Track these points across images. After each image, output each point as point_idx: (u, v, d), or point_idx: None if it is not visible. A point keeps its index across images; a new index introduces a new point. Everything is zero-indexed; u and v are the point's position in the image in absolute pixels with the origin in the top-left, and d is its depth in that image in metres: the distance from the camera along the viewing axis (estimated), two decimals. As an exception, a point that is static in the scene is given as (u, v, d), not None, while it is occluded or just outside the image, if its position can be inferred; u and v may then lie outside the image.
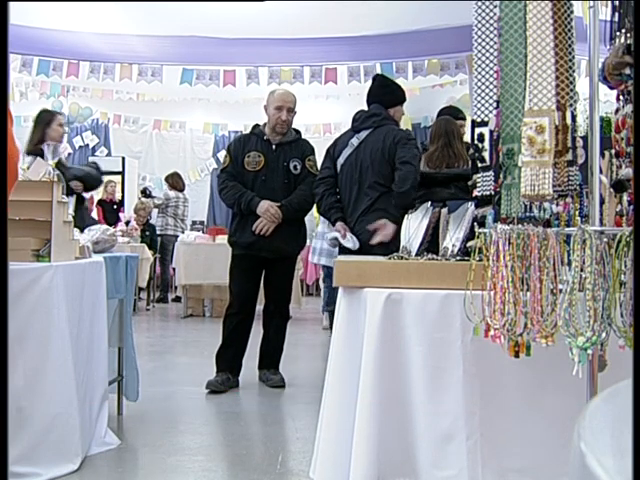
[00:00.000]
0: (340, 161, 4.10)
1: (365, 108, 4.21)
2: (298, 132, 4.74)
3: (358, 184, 4.00)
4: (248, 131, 4.87)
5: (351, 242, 3.89)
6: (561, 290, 1.86)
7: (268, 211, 4.42)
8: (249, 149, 4.58)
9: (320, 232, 6.95)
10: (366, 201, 3.96)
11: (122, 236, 8.11)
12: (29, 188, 3.01)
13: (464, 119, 4.76)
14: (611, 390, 0.90)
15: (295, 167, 4.56)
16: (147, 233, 9.39)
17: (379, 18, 6.35)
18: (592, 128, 1.94)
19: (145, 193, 10.37)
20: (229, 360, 4.55)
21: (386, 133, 4.01)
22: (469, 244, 2.44)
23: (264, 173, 4.51)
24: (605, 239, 1.82)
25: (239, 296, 4.58)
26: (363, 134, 4.05)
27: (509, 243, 1.93)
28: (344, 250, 3.94)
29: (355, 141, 4.05)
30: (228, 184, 4.57)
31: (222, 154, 13.03)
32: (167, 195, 10.02)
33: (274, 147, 4.57)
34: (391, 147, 3.96)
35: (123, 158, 12.48)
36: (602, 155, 2.13)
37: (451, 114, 4.66)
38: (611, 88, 2.04)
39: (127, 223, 9.41)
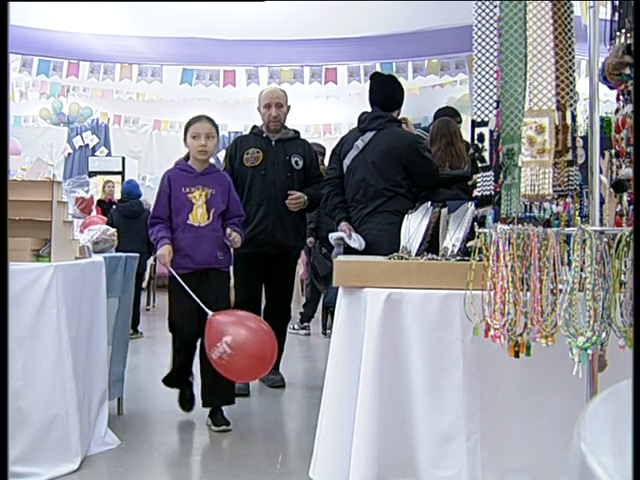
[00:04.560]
0: (346, 162, 4.11)
1: (367, 109, 4.21)
2: (297, 132, 4.75)
3: (364, 186, 4.01)
4: (248, 132, 4.88)
5: (357, 242, 3.89)
6: (561, 290, 1.86)
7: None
8: (248, 146, 4.59)
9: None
10: (372, 203, 3.97)
11: (122, 236, 8.10)
12: (29, 188, 3.01)
13: (460, 122, 4.75)
14: (611, 390, 0.90)
15: (297, 162, 4.57)
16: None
17: (379, 18, 6.35)
18: (592, 128, 1.94)
19: None
20: None
21: (392, 136, 4.03)
22: (469, 244, 2.44)
23: (263, 168, 4.51)
24: (605, 239, 1.82)
25: (245, 295, 4.57)
26: (368, 136, 4.05)
27: (509, 243, 1.93)
28: (349, 250, 3.93)
29: (360, 143, 4.06)
30: None
31: (222, 154, 13.02)
32: None
33: (273, 143, 4.58)
34: (400, 151, 3.97)
35: (123, 158, 12.47)
36: (602, 155, 2.13)
37: (448, 115, 4.65)
38: (611, 88, 2.04)
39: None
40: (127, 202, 7.34)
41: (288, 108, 4.65)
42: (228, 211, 3.81)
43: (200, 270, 3.65)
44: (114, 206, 7.62)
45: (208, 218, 3.69)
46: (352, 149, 4.08)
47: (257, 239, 4.49)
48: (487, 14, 2.21)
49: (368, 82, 4.33)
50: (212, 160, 4.02)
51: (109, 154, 12.96)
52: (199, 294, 3.48)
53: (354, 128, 4.24)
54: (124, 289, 3.77)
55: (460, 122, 4.74)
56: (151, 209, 3.89)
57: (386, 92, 4.20)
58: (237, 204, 3.89)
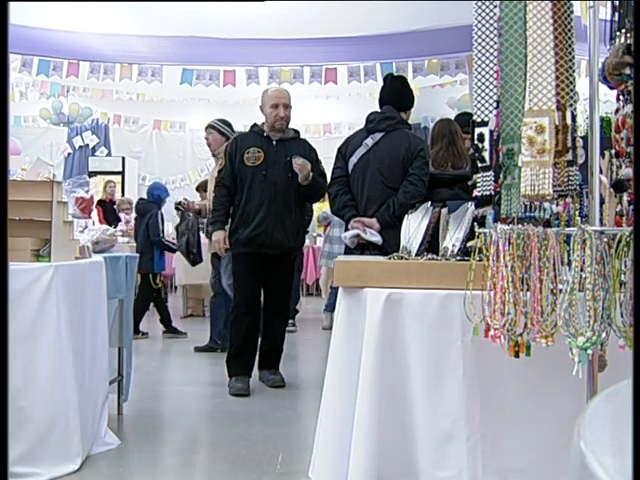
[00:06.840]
0: (353, 160, 4.09)
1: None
2: (297, 132, 4.74)
3: (369, 185, 4.01)
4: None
5: (375, 236, 3.87)
6: (561, 290, 1.86)
7: (218, 243, 4.55)
8: (249, 145, 4.57)
9: (332, 236, 6.96)
10: (378, 203, 3.97)
11: (122, 236, 8.10)
12: (29, 188, 3.01)
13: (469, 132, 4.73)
14: (611, 390, 0.90)
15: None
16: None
17: (379, 18, 6.35)
18: (592, 128, 1.94)
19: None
20: (246, 363, 4.55)
21: (401, 137, 4.03)
22: (469, 244, 2.44)
23: (264, 168, 4.50)
24: (605, 239, 1.82)
25: (245, 294, 4.56)
26: (377, 136, 4.06)
27: (509, 243, 1.93)
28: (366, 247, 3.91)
29: (369, 141, 4.06)
30: (219, 192, 4.66)
31: (222, 154, 13.00)
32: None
33: (275, 143, 4.57)
34: (407, 153, 3.98)
35: (123, 158, 12.49)
36: (602, 155, 2.13)
37: (467, 120, 4.63)
38: (611, 88, 2.04)
39: (127, 223, 9.39)
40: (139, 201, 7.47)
41: (290, 108, 4.66)
42: None
43: None
44: None
45: None
46: (360, 147, 4.07)
47: (257, 240, 4.48)
48: (487, 14, 2.21)
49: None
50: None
51: (109, 154, 12.96)
52: None
53: (361, 128, 4.23)
54: (127, 289, 3.77)
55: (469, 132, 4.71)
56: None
57: (399, 91, 4.21)
58: None
